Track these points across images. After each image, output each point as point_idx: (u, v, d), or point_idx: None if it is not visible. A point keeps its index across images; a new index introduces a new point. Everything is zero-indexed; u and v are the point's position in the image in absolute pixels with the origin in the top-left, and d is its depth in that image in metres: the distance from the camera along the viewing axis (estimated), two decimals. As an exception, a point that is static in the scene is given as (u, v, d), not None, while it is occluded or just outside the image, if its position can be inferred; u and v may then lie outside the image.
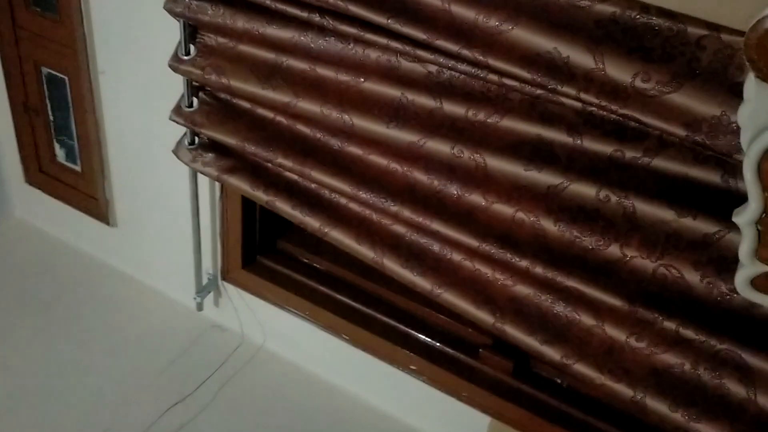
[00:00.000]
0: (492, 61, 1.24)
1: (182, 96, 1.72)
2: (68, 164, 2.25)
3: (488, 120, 1.35)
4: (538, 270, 1.35)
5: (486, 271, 1.45)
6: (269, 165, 1.67)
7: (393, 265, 1.55)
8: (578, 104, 1.24)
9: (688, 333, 1.27)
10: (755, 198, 1.03)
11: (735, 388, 1.25)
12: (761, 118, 0.98)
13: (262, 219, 2.04)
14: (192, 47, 1.65)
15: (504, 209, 1.37)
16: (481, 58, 1.25)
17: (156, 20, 1.68)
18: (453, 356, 1.85)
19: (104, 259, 2.39)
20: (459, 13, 1.26)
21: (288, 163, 1.60)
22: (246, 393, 2.07)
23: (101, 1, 1.87)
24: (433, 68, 1.39)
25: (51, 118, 2.19)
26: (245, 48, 1.59)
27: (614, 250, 1.29)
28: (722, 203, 1.17)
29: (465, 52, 1.26)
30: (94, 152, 2.13)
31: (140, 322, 2.23)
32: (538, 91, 1.25)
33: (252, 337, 2.20)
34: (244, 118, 1.67)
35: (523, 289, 1.41)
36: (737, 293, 1.19)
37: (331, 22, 1.40)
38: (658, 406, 1.32)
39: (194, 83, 1.70)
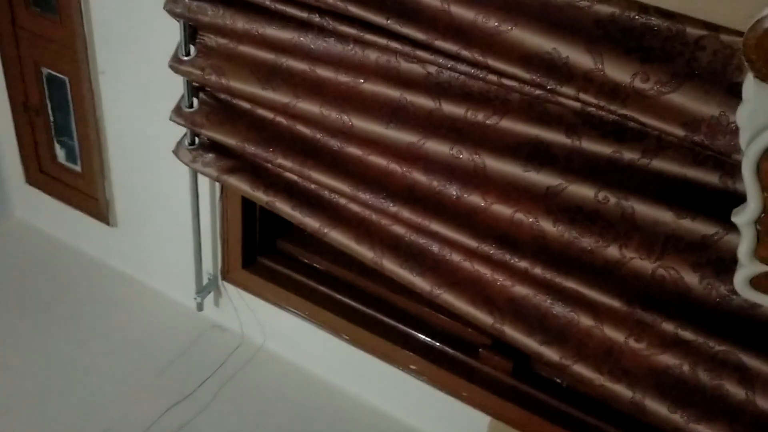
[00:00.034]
0: (491, 62, 1.24)
1: (182, 96, 1.72)
2: (68, 164, 2.25)
3: (487, 121, 1.35)
4: (537, 271, 1.35)
5: (485, 271, 1.45)
6: (269, 165, 1.67)
7: (392, 266, 1.55)
8: (577, 104, 1.24)
9: (687, 334, 1.27)
10: (754, 198, 1.03)
11: (734, 390, 1.25)
12: (760, 118, 0.98)
13: (262, 219, 2.04)
14: (192, 48, 1.65)
15: (503, 210, 1.37)
16: (480, 58, 1.25)
17: (156, 21, 1.68)
18: (453, 356, 1.85)
19: (104, 259, 2.39)
20: (458, 13, 1.26)
21: (288, 163, 1.60)
22: (246, 393, 2.07)
23: (101, 1, 1.87)
24: (432, 69, 1.39)
25: (51, 118, 2.19)
26: (245, 49, 1.59)
27: (613, 251, 1.29)
28: (721, 205, 1.17)
29: (464, 52, 1.26)
30: (94, 152, 2.13)
31: (140, 322, 2.23)
32: (538, 92, 1.25)
33: (252, 337, 2.20)
34: (244, 119, 1.67)
35: (522, 290, 1.42)
36: (736, 294, 1.19)
37: (330, 22, 1.41)
38: (657, 407, 1.32)
39: (194, 84, 1.70)
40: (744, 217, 1.06)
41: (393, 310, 1.94)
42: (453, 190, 1.42)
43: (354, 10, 1.34)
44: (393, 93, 1.43)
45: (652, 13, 1.13)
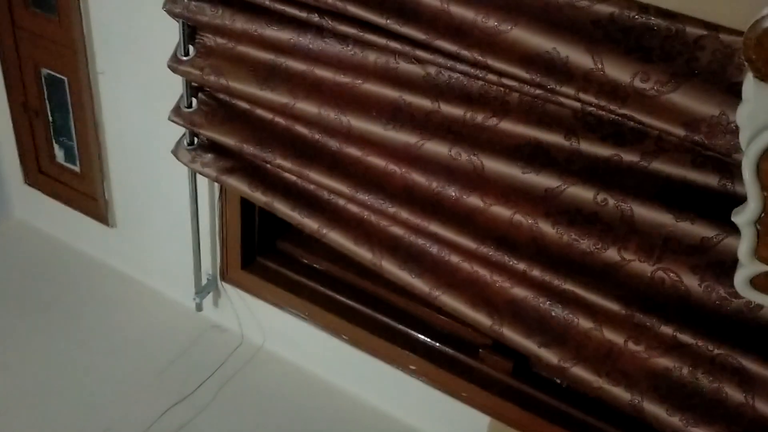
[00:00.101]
0: (491, 62, 1.24)
1: (181, 96, 1.72)
2: (67, 165, 2.25)
3: (486, 122, 1.35)
4: (536, 272, 1.35)
5: (484, 273, 1.44)
6: (268, 166, 1.67)
7: (391, 267, 1.54)
8: (577, 105, 1.23)
9: (686, 337, 1.26)
10: (754, 197, 1.03)
11: (733, 393, 1.25)
12: (760, 118, 0.98)
13: (262, 219, 2.04)
14: (191, 48, 1.65)
15: (502, 211, 1.37)
16: (480, 58, 1.25)
17: (155, 21, 1.68)
18: (453, 356, 1.85)
19: (104, 259, 2.39)
20: (458, 13, 1.26)
21: (286, 164, 1.60)
22: (246, 393, 2.07)
23: (101, 1, 1.87)
24: (431, 70, 1.38)
25: (50, 118, 2.19)
26: (244, 49, 1.59)
27: (612, 253, 1.29)
28: (720, 207, 1.16)
29: (464, 52, 1.26)
30: (93, 153, 2.13)
31: (140, 322, 2.23)
32: (537, 92, 1.25)
33: (252, 337, 2.20)
34: (243, 119, 1.67)
35: (520, 292, 1.41)
36: (735, 297, 1.19)
37: (330, 22, 1.40)
38: (655, 409, 1.31)
39: (193, 84, 1.70)
40: (744, 216, 1.05)
41: (393, 310, 1.94)
42: (452, 192, 1.41)
43: (353, 9, 1.33)
44: (392, 94, 1.43)
45: (652, 12, 1.12)
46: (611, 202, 1.26)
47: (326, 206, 1.63)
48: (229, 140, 1.67)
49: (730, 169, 1.17)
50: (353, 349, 1.95)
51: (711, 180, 1.19)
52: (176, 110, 1.74)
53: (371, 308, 1.95)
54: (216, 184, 1.95)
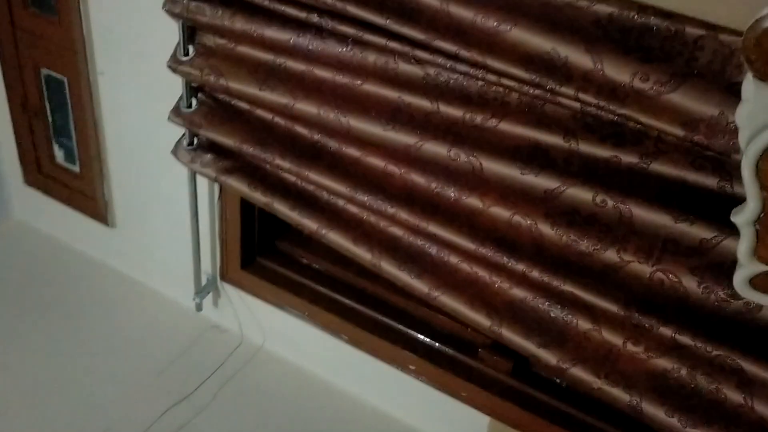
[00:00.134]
0: (490, 62, 1.24)
1: (181, 97, 1.72)
2: (67, 165, 2.25)
3: (485, 123, 1.35)
4: (535, 274, 1.35)
5: (483, 274, 1.44)
6: (267, 166, 1.67)
7: (390, 267, 1.54)
8: (576, 105, 1.23)
9: (685, 338, 1.26)
10: (753, 197, 1.03)
11: (732, 394, 1.25)
12: (759, 118, 0.98)
13: (261, 220, 2.04)
14: (191, 48, 1.65)
15: (501, 212, 1.37)
16: (479, 58, 1.25)
17: (155, 21, 1.68)
18: (452, 356, 1.85)
19: (103, 259, 2.40)
20: (457, 13, 1.26)
21: (286, 164, 1.60)
22: (246, 393, 2.07)
23: (100, 1, 1.87)
24: (430, 70, 1.38)
25: (50, 119, 2.19)
26: (243, 49, 1.59)
27: (611, 254, 1.28)
28: (719, 208, 1.16)
29: (463, 52, 1.26)
30: (93, 153, 2.13)
31: (140, 322, 2.24)
32: (536, 92, 1.25)
33: (251, 337, 2.20)
34: (243, 119, 1.67)
35: (520, 293, 1.41)
36: (734, 298, 1.19)
37: (329, 22, 1.40)
38: (654, 410, 1.31)
39: (193, 84, 1.70)
40: (743, 216, 1.05)
41: (392, 310, 1.94)
42: (451, 192, 1.41)
43: (353, 9, 1.33)
44: (391, 94, 1.43)
45: (651, 13, 1.12)
46: (610, 203, 1.26)
47: (326, 206, 1.63)
48: (228, 140, 1.67)
49: (729, 170, 1.16)
50: (353, 349, 1.95)
51: (710, 181, 1.19)
52: (176, 110, 1.74)
53: (371, 308, 1.95)
54: (216, 185, 1.96)
